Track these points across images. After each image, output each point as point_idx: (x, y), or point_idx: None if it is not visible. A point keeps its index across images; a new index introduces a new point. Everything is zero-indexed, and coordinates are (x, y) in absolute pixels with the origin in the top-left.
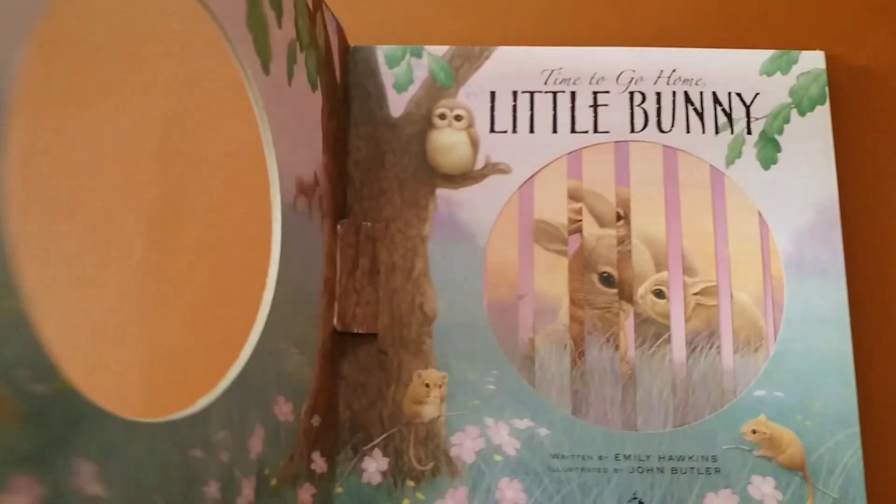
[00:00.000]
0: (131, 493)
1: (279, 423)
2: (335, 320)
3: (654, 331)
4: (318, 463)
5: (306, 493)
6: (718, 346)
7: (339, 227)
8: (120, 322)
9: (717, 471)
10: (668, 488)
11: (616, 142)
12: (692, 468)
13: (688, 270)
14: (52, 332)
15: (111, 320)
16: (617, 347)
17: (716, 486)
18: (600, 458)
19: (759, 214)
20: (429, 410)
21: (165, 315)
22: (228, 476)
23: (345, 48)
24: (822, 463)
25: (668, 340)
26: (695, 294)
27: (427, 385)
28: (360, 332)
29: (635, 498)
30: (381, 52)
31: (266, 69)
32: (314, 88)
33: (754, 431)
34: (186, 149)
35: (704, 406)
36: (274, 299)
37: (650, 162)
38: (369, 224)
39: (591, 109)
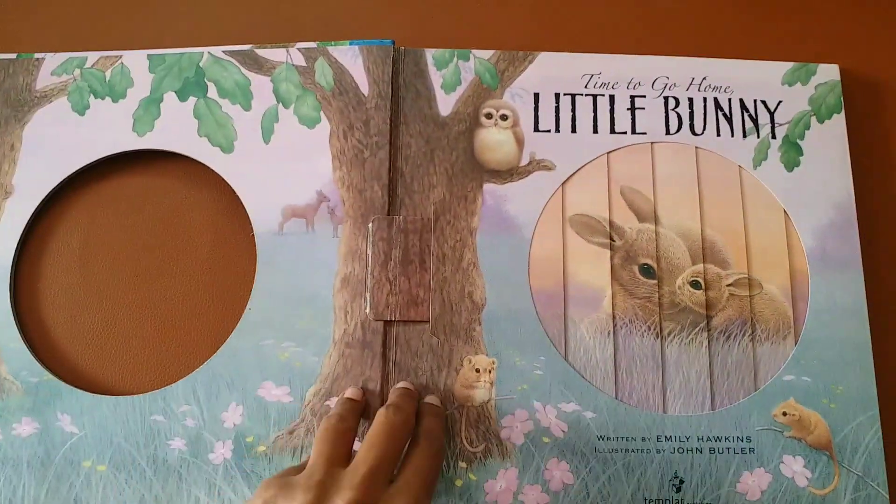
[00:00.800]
0: (99, 434)
1: (266, 403)
2: (367, 310)
3: (691, 319)
4: None
5: None
6: (750, 334)
7: (371, 223)
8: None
9: (752, 451)
10: (706, 467)
11: (653, 142)
12: (728, 448)
13: (720, 263)
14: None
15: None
16: (657, 335)
17: (751, 465)
18: (643, 439)
19: (785, 212)
20: (480, 394)
21: (157, 329)
22: (196, 436)
23: (383, 58)
24: (846, 443)
25: (705, 328)
26: (728, 285)
27: (477, 370)
28: (394, 319)
29: (676, 476)
30: (430, 55)
31: (227, 149)
32: (313, 125)
33: (785, 413)
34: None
35: (738, 390)
36: (252, 310)
37: (685, 162)
38: (401, 217)
39: (629, 112)
